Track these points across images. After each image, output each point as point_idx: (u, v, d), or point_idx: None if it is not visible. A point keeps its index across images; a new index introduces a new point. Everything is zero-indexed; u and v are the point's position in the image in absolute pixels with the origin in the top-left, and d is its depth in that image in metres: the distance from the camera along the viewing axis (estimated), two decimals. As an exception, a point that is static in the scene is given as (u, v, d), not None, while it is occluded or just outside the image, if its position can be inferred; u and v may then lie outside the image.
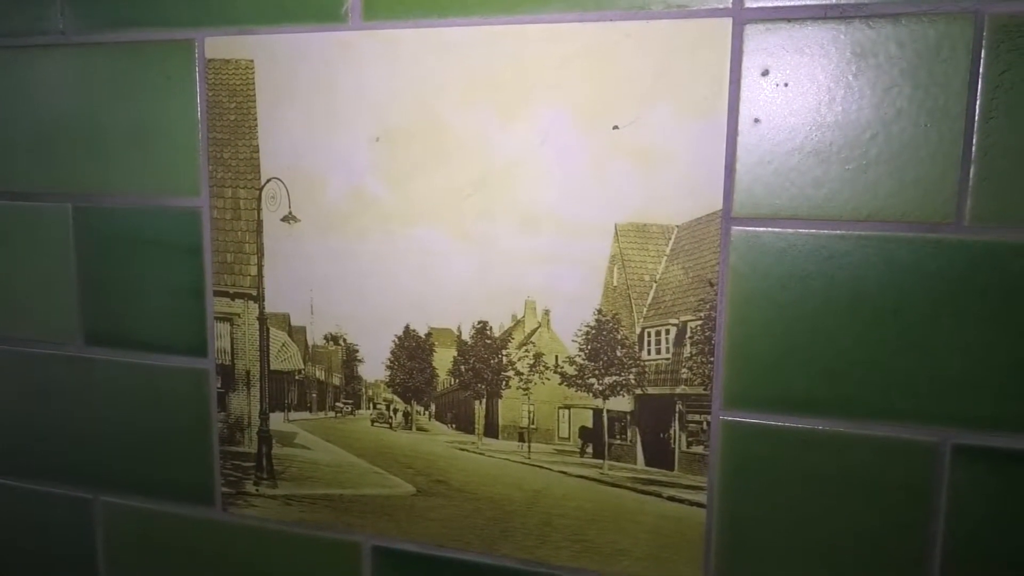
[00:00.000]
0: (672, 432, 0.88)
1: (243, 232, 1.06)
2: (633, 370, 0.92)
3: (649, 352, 0.92)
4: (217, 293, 1.02)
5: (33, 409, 1.14)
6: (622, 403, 0.89)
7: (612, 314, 0.91)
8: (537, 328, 0.92)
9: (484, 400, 0.95)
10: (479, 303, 0.92)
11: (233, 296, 1.07)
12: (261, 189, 1.03)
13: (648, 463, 0.91)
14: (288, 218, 1.03)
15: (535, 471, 0.93)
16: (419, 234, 0.93)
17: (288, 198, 1.03)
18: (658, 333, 0.92)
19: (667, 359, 0.91)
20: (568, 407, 0.91)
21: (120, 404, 1.12)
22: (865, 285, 0.78)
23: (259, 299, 1.03)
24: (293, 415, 1.01)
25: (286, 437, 1.01)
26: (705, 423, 0.86)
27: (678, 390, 0.91)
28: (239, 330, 1.07)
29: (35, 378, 1.13)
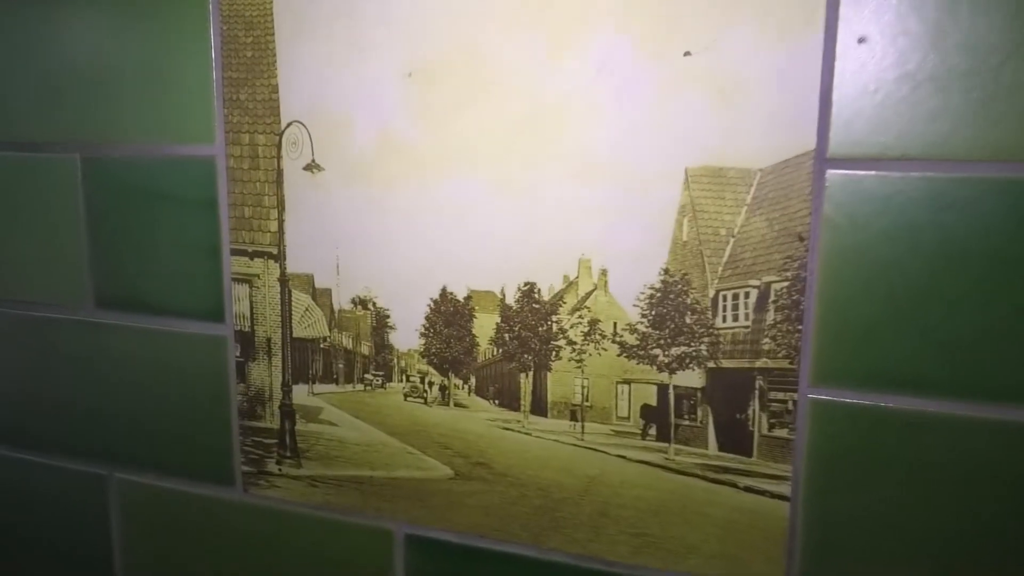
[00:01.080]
0: (751, 412, 0.79)
1: (262, 183, 0.95)
2: (705, 340, 0.79)
3: (724, 319, 0.79)
4: (234, 252, 0.96)
5: (42, 377, 1.06)
6: (691, 378, 0.81)
7: (681, 274, 0.78)
8: (593, 291, 0.81)
9: (531, 373, 0.88)
10: (526, 262, 0.84)
11: (252, 255, 0.97)
12: (281, 134, 0.93)
13: (722, 448, 0.80)
14: (311, 167, 0.92)
15: (589, 455, 0.86)
16: (457, 183, 0.85)
17: (311, 144, 0.92)
18: (735, 297, 0.79)
19: (746, 327, 0.78)
20: (628, 382, 0.83)
21: (133, 373, 1.09)
22: (989, 239, 0.64)
23: (280, 258, 0.93)
24: (318, 388, 0.95)
25: (311, 412, 0.92)
26: (790, 402, 0.77)
27: (758, 363, 0.78)
28: (259, 293, 0.97)
29: (43, 343, 1.06)
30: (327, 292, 0.97)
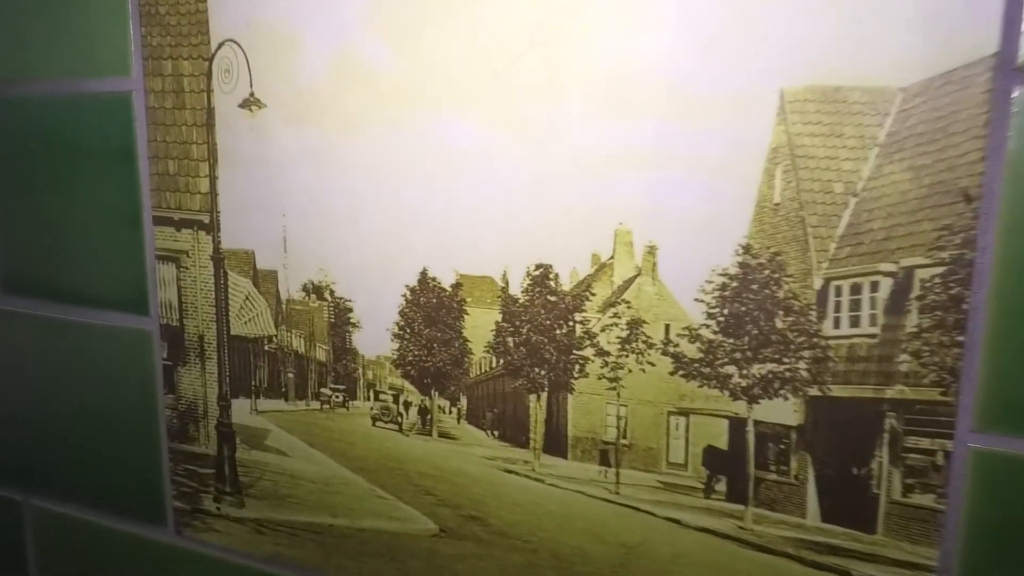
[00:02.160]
0: (875, 467, 0.58)
1: (188, 127, 0.72)
2: (805, 354, 0.54)
3: (837, 323, 0.55)
4: (158, 220, 0.82)
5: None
6: (783, 411, 0.59)
7: (770, 254, 0.54)
8: (635, 277, 0.62)
9: (544, 395, 0.67)
10: (537, 235, 0.64)
11: (179, 224, 0.73)
12: (211, 60, 0.70)
13: (827, 518, 0.60)
14: (249, 103, 0.68)
15: (626, 515, 0.65)
16: (440, 124, 0.67)
17: (248, 71, 0.69)
18: (856, 289, 0.52)
19: (871, 336, 0.54)
20: (685, 413, 0.63)
21: (45, 375, 0.93)
22: None
23: (213, 228, 0.73)
24: (263, 404, 0.81)
25: (254, 436, 0.79)
26: (941, 453, 0.56)
27: (890, 392, 0.53)
28: (188, 275, 0.73)
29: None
30: (272, 275, 0.71)
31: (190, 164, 0.77)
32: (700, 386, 0.61)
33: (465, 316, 0.68)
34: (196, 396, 0.81)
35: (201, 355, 0.80)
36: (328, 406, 0.76)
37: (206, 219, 0.77)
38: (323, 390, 0.76)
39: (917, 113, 0.52)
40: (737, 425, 0.61)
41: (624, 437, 0.64)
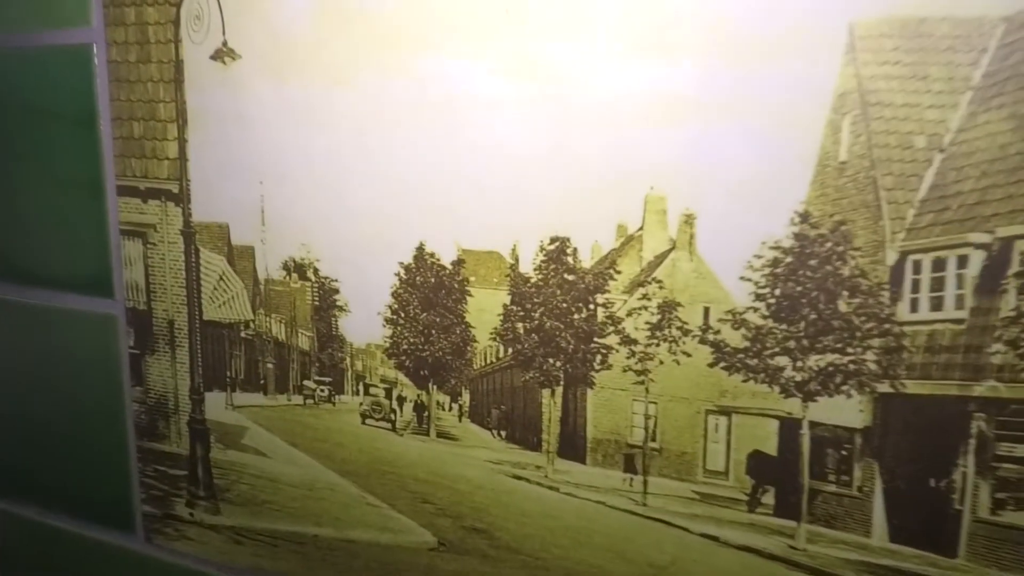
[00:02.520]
0: (959, 477, 0.48)
1: (155, 83, 0.64)
2: (875, 342, 0.44)
3: (916, 306, 0.47)
4: (122, 190, 0.73)
5: None
6: (845, 410, 0.51)
7: (834, 223, 0.47)
8: (668, 252, 0.53)
9: (559, 389, 0.57)
10: (552, 203, 0.55)
11: (145, 195, 0.65)
12: (179, 5, 0.57)
13: (897, 538, 0.51)
14: (222, 53, 0.60)
15: (655, 530, 0.56)
16: (442, 71, 0.58)
17: (220, 17, 0.59)
18: (939, 265, 0.45)
19: (957, 321, 0.46)
20: (727, 412, 0.54)
21: (6, 366, 0.82)
22: None
23: (183, 199, 0.65)
24: (240, 398, 0.73)
25: (230, 434, 0.72)
26: None
27: (979, 390, 0.44)
28: (155, 252, 0.65)
29: None
30: (248, 252, 0.61)
31: (157, 126, 0.68)
32: (745, 380, 0.51)
33: (468, 298, 0.59)
34: (166, 389, 0.72)
35: (171, 343, 0.71)
36: (312, 401, 0.67)
37: (175, 188, 0.68)
38: (306, 383, 0.67)
39: (1023, 48, 0.42)
40: (789, 427, 0.51)
41: (653, 440, 0.55)
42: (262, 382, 0.69)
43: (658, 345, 0.53)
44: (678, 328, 0.52)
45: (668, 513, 0.55)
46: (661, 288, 0.52)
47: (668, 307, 0.52)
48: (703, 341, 0.52)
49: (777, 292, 0.50)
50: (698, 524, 0.55)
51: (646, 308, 0.53)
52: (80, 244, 0.73)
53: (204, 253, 0.68)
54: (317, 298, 0.64)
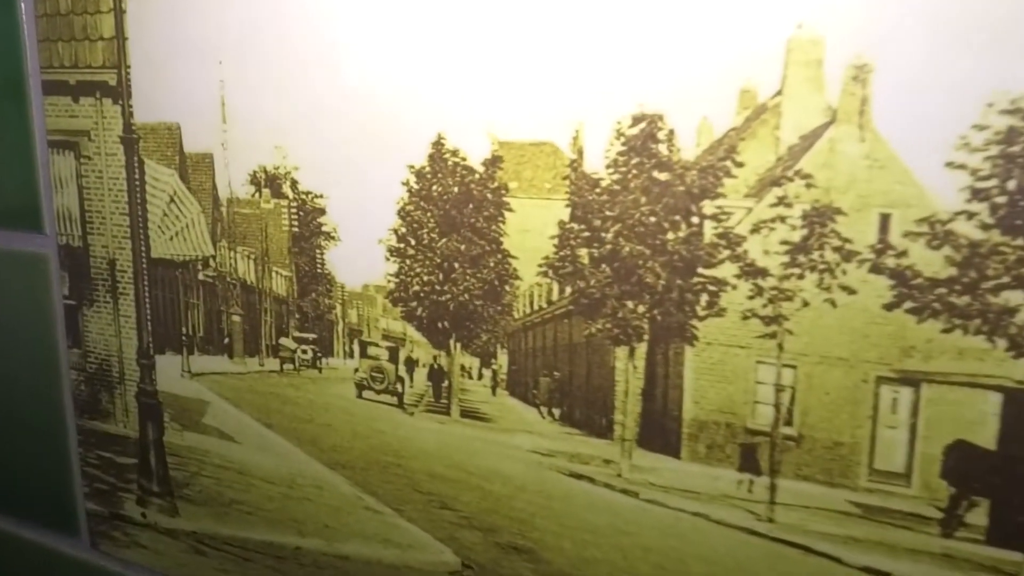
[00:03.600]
0: None
1: None
2: None
3: None
4: (48, 87, 0.57)
5: None
6: None
7: None
8: (824, 126, 0.34)
9: (642, 347, 0.38)
10: (635, 61, 0.35)
11: (76, 91, 0.49)
12: None
13: None
14: None
15: (787, 560, 0.38)
16: None
17: None
18: None
19: None
20: (912, 379, 0.34)
21: None
22: None
23: (122, 93, 0.45)
24: (198, 362, 0.55)
25: (188, 410, 0.56)
26: None
27: None
28: (91, 169, 0.48)
29: None
30: (206, 162, 0.44)
31: (87, -5, 0.50)
32: (947, 330, 0.32)
33: (507, 214, 0.40)
34: (109, 351, 0.56)
35: (113, 290, 0.54)
36: (291, 366, 0.49)
37: (112, 79, 0.51)
38: (283, 342, 0.49)
39: None
40: (1019, 404, 0.31)
41: (788, 423, 0.36)
42: (226, 341, 0.51)
43: (801, 277, 0.34)
44: (835, 249, 0.33)
45: (808, 535, 0.36)
46: (810, 186, 0.33)
47: (820, 216, 0.33)
48: (877, 269, 0.33)
49: (1010, 185, 0.30)
50: (858, 553, 0.35)
51: (784, 219, 0.34)
52: (2, 162, 0.56)
53: (150, 166, 0.51)
54: (296, 222, 0.46)
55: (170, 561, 0.58)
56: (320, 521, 0.50)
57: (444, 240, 0.43)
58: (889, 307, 0.34)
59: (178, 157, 0.51)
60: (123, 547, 0.60)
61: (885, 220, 0.33)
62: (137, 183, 0.52)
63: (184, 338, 0.53)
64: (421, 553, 0.47)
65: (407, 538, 0.47)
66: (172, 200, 0.51)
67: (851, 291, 0.34)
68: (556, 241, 0.40)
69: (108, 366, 0.57)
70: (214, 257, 0.51)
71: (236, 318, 0.51)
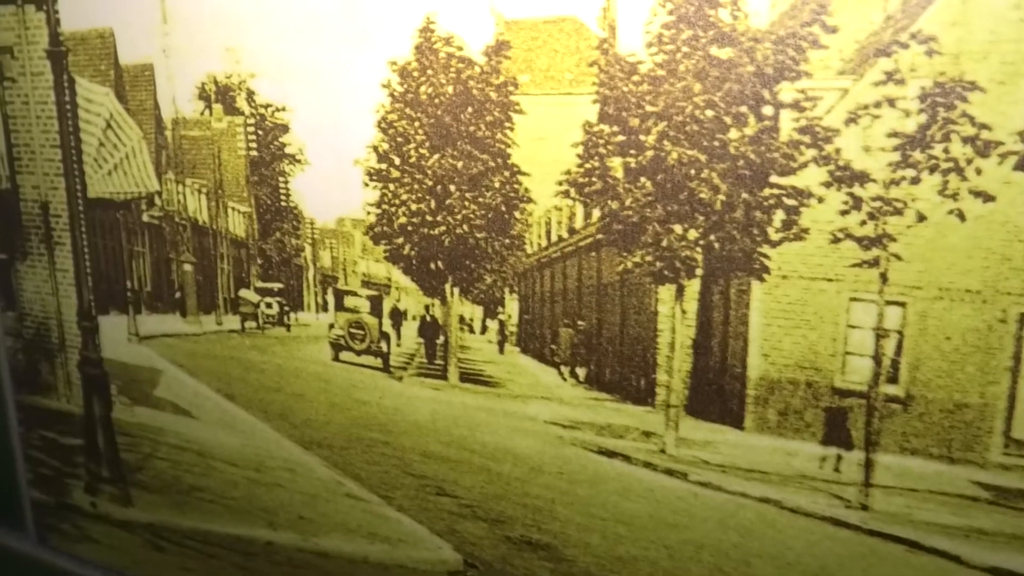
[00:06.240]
0: None
1: None
2: None
3: None
4: None
5: None
6: None
7: None
8: None
9: (692, 285, 0.28)
10: None
11: None
12: None
13: None
14: None
15: (891, 559, 0.30)
16: None
17: None
18: None
19: None
20: None
21: None
22: None
23: None
24: (147, 323, 0.43)
25: (138, 381, 0.57)
26: None
27: None
28: (16, 94, 0.48)
29: None
30: (146, 74, 0.39)
31: None
32: None
33: (515, 117, 0.32)
34: (47, 312, 0.50)
35: (47, 239, 0.49)
36: (254, 324, 0.43)
37: (31, -23, 0.43)
38: (243, 294, 0.43)
39: None
40: None
41: (893, 379, 0.28)
42: (178, 295, 0.44)
43: (916, 181, 0.27)
44: (967, 140, 0.25)
45: (915, 527, 0.29)
46: (932, 53, 0.25)
47: (947, 94, 0.26)
48: (1025, 165, 0.24)
49: None
50: (985, 550, 0.27)
51: (893, 102, 0.26)
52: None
53: (82, 85, 0.44)
54: (255, 144, 0.39)
55: (126, 558, 0.52)
56: (294, 511, 0.43)
57: (436, 156, 0.35)
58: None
59: (113, 71, 0.43)
60: (74, 541, 0.54)
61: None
62: (68, 107, 0.45)
63: (129, 294, 0.46)
64: (414, 549, 0.40)
65: (397, 531, 0.40)
66: (109, 126, 0.44)
67: (988, 198, 0.26)
68: (580, 150, 0.32)
69: (47, 330, 0.51)
70: (159, 193, 0.44)
71: (188, 267, 0.44)
